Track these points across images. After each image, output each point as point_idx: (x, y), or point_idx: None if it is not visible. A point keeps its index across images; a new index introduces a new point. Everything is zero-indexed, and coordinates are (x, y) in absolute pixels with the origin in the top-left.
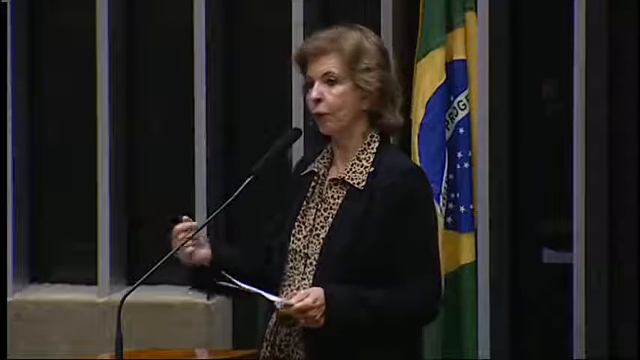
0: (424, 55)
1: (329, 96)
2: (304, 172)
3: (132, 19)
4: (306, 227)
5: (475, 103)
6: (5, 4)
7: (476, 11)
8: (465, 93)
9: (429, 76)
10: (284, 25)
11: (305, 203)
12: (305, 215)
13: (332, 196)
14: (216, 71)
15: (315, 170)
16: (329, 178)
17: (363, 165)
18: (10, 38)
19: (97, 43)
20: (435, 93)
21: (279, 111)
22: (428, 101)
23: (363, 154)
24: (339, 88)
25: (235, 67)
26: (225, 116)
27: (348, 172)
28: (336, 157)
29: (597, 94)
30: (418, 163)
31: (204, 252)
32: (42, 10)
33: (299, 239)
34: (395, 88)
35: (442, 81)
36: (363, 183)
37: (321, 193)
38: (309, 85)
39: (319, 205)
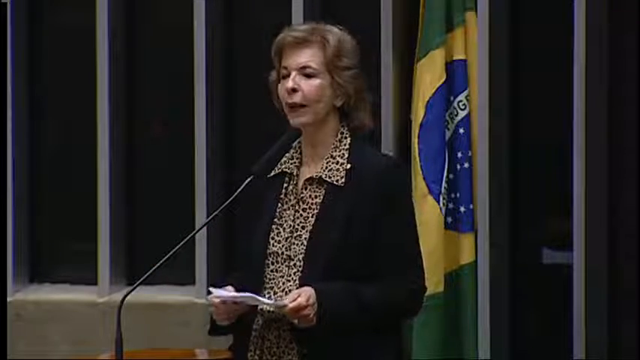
0: (424, 55)
1: (306, 87)
2: (272, 174)
3: (132, 19)
4: (285, 229)
5: (475, 103)
6: (5, 4)
7: (476, 11)
8: (465, 93)
9: (429, 76)
10: (284, 25)
11: (280, 205)
12: (282, 217)
13: (309, 195)
14: (216, 71)
15: (287, 171)
16: (303, 177)
17: (338, 162)
18: (10, 38)
19: (97, 43)
20: (435, 93)
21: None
22: (428, 101)
23: (335, 150)
24: (316, 81)
25: (235, 67)
26: (225, 116)
27: (324, 171)
28: (307, 156)
29: (597, 95)
30: (418, 163)
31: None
32: (42, 10)
33: (279, 241)
34: (367, 89)
35: (442, 81)
36: (343, 180)
37: (296, 194)
38: (283, 76)
39: (297, 206)
